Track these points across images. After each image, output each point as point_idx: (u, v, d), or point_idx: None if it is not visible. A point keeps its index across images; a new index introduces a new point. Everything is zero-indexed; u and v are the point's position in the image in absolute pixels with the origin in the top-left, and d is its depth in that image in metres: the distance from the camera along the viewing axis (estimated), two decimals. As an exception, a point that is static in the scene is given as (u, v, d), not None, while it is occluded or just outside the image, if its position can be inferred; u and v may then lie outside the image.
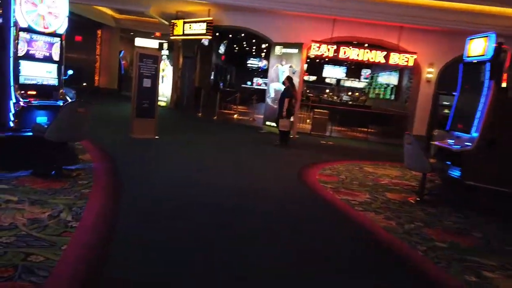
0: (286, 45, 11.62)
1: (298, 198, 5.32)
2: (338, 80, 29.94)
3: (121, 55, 21.96)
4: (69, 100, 5.25)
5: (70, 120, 4.48)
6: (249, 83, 31.82)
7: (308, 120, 14.19)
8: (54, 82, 5.18)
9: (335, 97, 22.53)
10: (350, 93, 24.31)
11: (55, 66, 5.15)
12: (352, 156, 9.37)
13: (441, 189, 6.28)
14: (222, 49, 21.67)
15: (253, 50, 24.69)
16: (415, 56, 11.86)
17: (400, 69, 18.45)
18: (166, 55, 16.16)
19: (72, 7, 15.76)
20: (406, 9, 10.75)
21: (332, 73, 27.85)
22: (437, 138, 6.69)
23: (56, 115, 4.47)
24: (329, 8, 10.82)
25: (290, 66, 11.50)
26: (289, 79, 9.79)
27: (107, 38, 20.30)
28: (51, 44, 5.05)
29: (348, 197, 5.47)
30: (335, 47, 11.84)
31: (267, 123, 12.22)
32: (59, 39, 5.12)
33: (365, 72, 25.56)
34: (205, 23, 12.71)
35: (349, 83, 29.65)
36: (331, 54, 11.90)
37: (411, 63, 11.92)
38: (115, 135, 8.31)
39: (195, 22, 13.11)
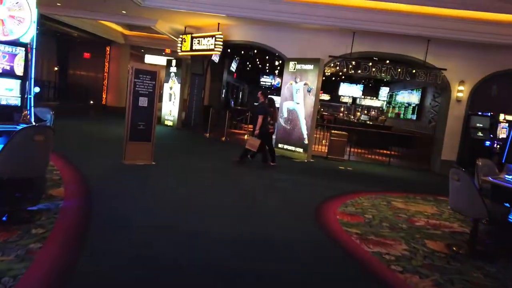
0: (300, 61, 10.64)
1: (316, 252, 4.17)
2: (354, 99, 28.80)
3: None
4: (38, 123, 4.29)
5: (22, 150, 3.50)
6: (262, 101, 30.98)
7: (324, 141, 13.07)
8: (16, 101, 4.22)
9: (352, 117, 21.36)
10: (367, 112, 23.09)
11: (17, 82, 4.21)
12: (376, 186, 8.18)
13: (496, 236, 5.04)
14: (233, 66, 20.89)
15: (266, 67, 23.85)
16: (444, 73, 10.72)
17: (422, 87, 17.28)
18: (174, 73, 15.39)
19: (80, 24, 15.23)
20: (434, 20, 9.67)
21: (348, 91, 26.76)
22: (483, 170, 5.50)
23: (6, 143, 3.48)
24: (351, 20, 9.82)
25: (305, 84, 10.47)
26: (264, 94, 9.14)
27: (116, 55, 19.75)
28: (13, 56, 4.12)
29: (379, 248, 4.30)
30: (354, 63, 10.80)
31: (279, 145, 11.15)
32: (23, 49, 4.19)
33: (384, 91, 24.41)
34: (214, 38, 11.86)
35: (365, 102, 28.50)
36: (350, 70, 10.85)
37: (439, 81, 10.77)
38: (105, 160, 7.34)
39: (204, 37, 12.29)
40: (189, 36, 12.91)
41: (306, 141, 10.49)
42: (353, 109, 28.23)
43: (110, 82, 19.81)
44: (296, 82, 10.75)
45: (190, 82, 15.89)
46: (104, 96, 19.85)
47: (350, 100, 29.45)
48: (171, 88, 15.58)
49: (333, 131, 11.28)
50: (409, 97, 19.21)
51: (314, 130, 10.75)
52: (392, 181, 9.25)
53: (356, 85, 24.54)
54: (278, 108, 10.50)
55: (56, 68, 18.55)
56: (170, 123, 15.50)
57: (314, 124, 10.65)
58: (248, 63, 21.81)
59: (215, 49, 11.83)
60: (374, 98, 27.21)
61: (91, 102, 19.33)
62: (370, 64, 10.87)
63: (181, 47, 13.31)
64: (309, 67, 10.42)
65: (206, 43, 12.11)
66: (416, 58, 11.02)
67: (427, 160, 12.14)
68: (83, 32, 16.78)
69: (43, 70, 18.08)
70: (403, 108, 19.54)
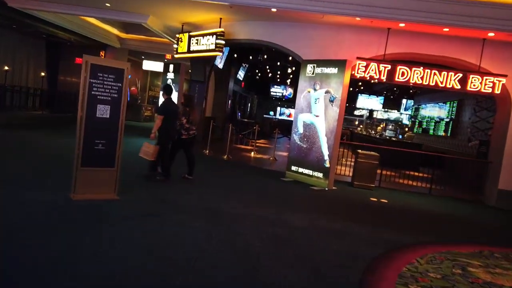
0: (321, 63, 8.47)
1: None
2: (371, 112, 26.47)
3: (127, 80, 19.41)
4: None
5: None
6: (271, 113, 28.84)
7: (343, 160, 10.79)
8: None
9: (372, 132, 19.05)
10: (393, 127, 20.71)
11: None
12: (430, 233, 5.87)
13: None
14: (241, 74, 18.85)
15: (277, 76, 21.74)
16: (504, 80, 8.43)
17: (458, 100, 14.94)
18: (172, 79, 13.37)
19: (71, 25, 13.25)
20: (496, 9, 7.41)
21: (366, 103, 24.53)
22: None
23: None
24: (386, 10, 7.60)
25: (327, 92, 8.28)
26: (166, 89, 7.07)
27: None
28: None
29: None
30: (389, 66, 8.58)
31: (293, 168, 8.92)
32: None
33: (408, 103, 22.10)
34: (214, 36, 9.77)
35: (384, 115, 26.12)
36: (383, 76, 8.63)
37: (497, 90, 8.47)
38: (46, 193, 5.17)
39: (203, 35, 10.22)
40: (186, 35, 10.86)
41: (327, 164, 8.25)
42: (372, 123, 25.84)
43: (104, 90, 17.88)
44: (315, 90, 8.56)
45: (189, 90, 13.84)
46: (97, 105, 17.92)
47: (366, 113, 27.13)
48: (167, 97, 13.52)
49: (360, 152, 9.00)
50: (439, 110, 16.87)
51: (338, 150, 8.49)
52: (446, 222, 6.91)
53: (377, 96, 22.33)
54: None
55: (43, 74, 16.70)
56: (165, 137, 13.39)
57: (338, 143, 8.40)
58: (257, 70, 19.77)
59: (216, 49, 9.73)
60: (396, 111, 24.89)
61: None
62: (408, 69, 8.61)
63: (177, 48, 11.25)
64: (332, 70, 8.23)
65: (206, 43, 10.03)
66: (466, 62, 8.77)
67: (475, 188, 9.76)
68: (75, 34, 14.96)
69: (29, 76, 16.31)
70: (433, 124, 17.18)
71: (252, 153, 12.83)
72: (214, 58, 12.79)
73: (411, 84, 8.78)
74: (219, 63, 13.82)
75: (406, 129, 21.82)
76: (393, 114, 24.74)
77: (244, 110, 24.26)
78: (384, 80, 8.73)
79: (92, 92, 5.06)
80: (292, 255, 4.16)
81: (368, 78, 8.68)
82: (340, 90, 8.07)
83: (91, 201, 5.01)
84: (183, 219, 4.90)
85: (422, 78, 8.58)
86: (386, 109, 24.64)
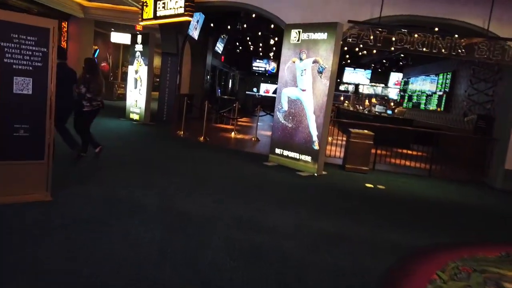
0: (308, 27, 7.22)
1: None
2: (356, 86, 25.36)
3: (95, 55, 17.78)
4: None
5: None
6: (255, 90, 27.49)
7: (330, 139, 9.75)
8: None
9: (360, 107, 18.02)
10: (384, 103, 19.68)
11: None
12: (442, 230, 4.89)
13: None
14: (220, 47, 17.37)
15: (260, 49, 20.32)
16: (514, 46, 7.39)
17: (452, 71, 13.96)
18: (140, 51, 11.91)
19: None
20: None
21: (353, 77, 23.42)
22: None
23: None
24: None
25: (315, 61, 7.08)
26: (61, 52, 5.46)
27: (75, 33, 16.13)
28: None
29: None
30: (385, 31, 7.41)
31: (277, 150, 7.81)
32: None
33: (395, 77, 21.08)
34: (183, -2, 8.38)
35: (371, 90, 25.09)
36: (378, 42, 7.47)
37: (508, 57, 7.43)
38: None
39: (170, -3, 8.80)
40: (151, -2, 9.40)
41: (316, 146, 7.15)
42: (354, 98, 24.75)
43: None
44: (301, 60, 7.35)
45: (161, 64, 12.43)
46: (61, 83, 16.27)
47: (352, 88, 26.04)
48: (136, 72, 12.11)
49: (352, 131, 7.91)
50: (430, 84, 15.91)
51: (328, 129, 7.39)
52: (455, 213, 5.94)
53: (364, 70, 21.22)
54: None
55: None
56: (136, 117, 12.07)
57: (328, 121, 7.28)
58: (237, 43, 18.31)
59: (186, 13, 8.37)
60: (383, 85, 23.89)
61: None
62: (407, 34, 7.45)
63: (142, 14, 9.79)
64: (321, 36, 7.01)
65: (174, 6, 8.65)
66: (473, 25, 7.67)
67: (477, 168, 8.86)
68: (30, 3, 13.22)
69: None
70: (424, 98, 16.24)
71: (233, 133, 11.65)
72: (187, 26, 11.38)
73: (410, 51, 7.65)
74: (194, 33, 12.38)
75: (392, 104, 20.93)
76: (380, 89, 23.77)
77: (225, 86, 22.87)
78: (379, 47, 7.58)
79: (5, 60, 3.75)
80: (274, 278, 3.06)
81: (361, 45, 7.50)
82: (330, 59, 6.88)
83: (13, 205, 3.80)
84: (131, 226, 3.74)
85: (423, 44, 7.46)
86: (373, 83, 23.62)
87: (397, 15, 7.78)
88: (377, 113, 14.36)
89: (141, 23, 10.30)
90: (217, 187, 5.55)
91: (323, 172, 7.41)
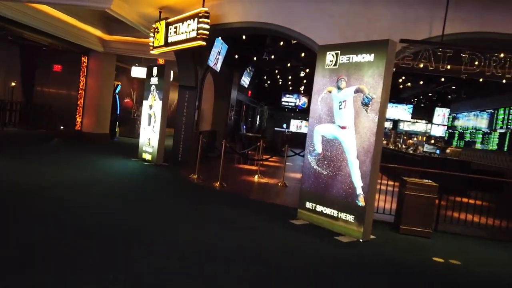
0: (348, 48, 5.62)
1: None
2: (395, 122, 23.22)
3: (117, 90, 17.01)
4: None
5: None
6: (284, 126, 25.99)
7: (378, 186, 7.81)
8: None
9: (404, 146, 15.95)
10: (435, 142, 17.49)
11: None
12: None
13: None
14: (246, 81, 16.12)
15: (289, 83, 18.95)
16: None
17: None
18: (155, 85, 10.74)
19: (43, 26, 9.60)
20: None
21: (392, 113, 21.41)
22: None
23: None
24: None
25: (358, 90, 5.40)
26: None
27: (95, 68, 15.42)
28: None
29: None
30: (450, 52, 5.68)
31: (308, 205, 6.03)
32: None
33: (442, 112, 18.93)
34: (196, 20, 7.07)
35: (409, 127, 22.82)
36: (443, 66, 5.73)
37: None
38: None
39: (182, 20, 7.55)
40: (163, 23, 8.23)
41: (361, 201, 5.32)
42: (394, 135, 22.58)
43: (87, 102, 15.40)
44: (339, 89, 5.71)
45: (178, 98, 11.17)
46: (79, 119, 15.41)
47: (389, 125, 23.91)
48: (150, 107, 10.90)
49: (408, 180, 6.02)
50: (486, 120, 13.75)
51: (376, 179, 5.56)
52: None
53: (406, 104, 19.25)
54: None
55: (13, 84, 14.30)
56: (148, 157, 10.72)
57: (377, 169, 5.47)
58: (265, 77, 17.02)
59: (199, 36, 7.01)
60: (426, 121, 21.67)
61: (62, 127, 14.94)
62: (480, 55, 5.68)
63: (153, 42, 8.61)
64: (367, 58, 5.37)
65: (186, 30, 7.36)
66: None
67: None
68: (51, 37, 12.61)
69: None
70: (480, 136, 14.02)
71: (256, 176, 9.97)
72: (206, 57, 10.15)
73: (485, 76, 5.83)
74: (214, 64, 11.13)
75: (442, 143, 18.61)
76: (423, 125, 21.54)
77: (252, 122, 21.51)
78: (443, 72, 5.82)
79: None
80: None
81: (419, 67, 5.78)
82: (379, 87, 5.19)
83: None
84: None
85: (502, 67, 5.64)
86: (415, 120, 21.46)
87: (464, 32, 6.05)
88: (426, 153, 12.28)
89: (152, 52, 9.13)
90: (220, 269, 3.81)
91: (372, 237, 5.51)
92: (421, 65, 5.80)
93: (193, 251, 4.19)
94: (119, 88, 17.23)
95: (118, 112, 17.17)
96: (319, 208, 5.87)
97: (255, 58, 12.69)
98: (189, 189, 7.77)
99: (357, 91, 5.43)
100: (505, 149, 12.13)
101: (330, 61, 5.87)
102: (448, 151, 12.81)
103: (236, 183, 9.01)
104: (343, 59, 5.69)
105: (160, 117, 10.47)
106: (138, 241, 4.31)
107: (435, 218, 6.24)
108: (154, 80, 10.84)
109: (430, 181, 6.08)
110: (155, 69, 10.86)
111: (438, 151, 13.79)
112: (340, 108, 5.66)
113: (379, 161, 5.45)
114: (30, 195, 5.77)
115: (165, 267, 3.65)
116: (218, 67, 11.76)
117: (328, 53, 5.91)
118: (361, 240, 5.28)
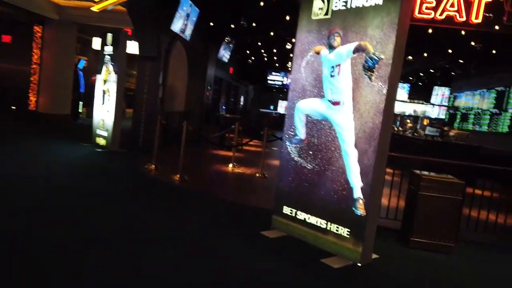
0: (343, -13, 3.88)
1: None
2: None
3: (80, 66, 14.97)
4: None
5: None
6: (272, 107, 24.25)
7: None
8: None
9: (400, 128, 14.46)
10: (435, 124, 15.94)
11: None
12: None
13: None
14: (225, 55, 14.24)
15: (275, 58, 17.10)
16: None
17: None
18: (110, 55, 8.89)
19: None
20: None
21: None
22: None
23: None
24: None
25: (359, 49, 3.69)
26: None
27: (51, 39, 13.42)
28: None
29: None
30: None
31: (285, 209, 4.38)
32: None
33: (441, 91, 17.37)
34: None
35: (409, 107, 21.28)
36: (473, 14, 4.04)
37: None
38: None
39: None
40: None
41: (360, 209, 3.69)
42: (401, 119, 20.98)
43: (43, 79, 13.45)
44: (331, 48, 3.98)
45: (138, 71, 9.35)
46: (33, 98, 13.47)
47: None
48: (105, 82, 9.06)
49: (425, 177, 4.37)
50: (494, 100, 12.21)
51: (383, 177, 3.93)
52: None
53: (403, 83, 17.65)
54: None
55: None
56: (102, 142, 8.96)
57: (384, 162, 3.82)
58: (248, 51, 15.14)
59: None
60: (422, 102, 20.13)
61: (13, 107, 13.03)
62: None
63: (95, -4, 6.75)
64: (372, 1, 3.65)
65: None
66: None
67: None
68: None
69: None
70: (488, 117, 12.51)
71: (230, 165, 8.30)
72: (169, 19, 8.32)
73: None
74: (182, 30, 9.28)
75: (446, 127, 17.06)
76: (421, 106, 20.00)
77: (235, 103, 19.72)
78: (471, 23, 4.14)
79: None
80: None
81: (442, 19, 4.08)
82: (390, 42, 3.49)
83: None
84: None
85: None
86: (411, 100, 19.88)
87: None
88: (428, 137, 10.72)
89: (92, 8, 7.29)
90: None
91: (375, 256, 3.92)
92: (445, 16, 4.12)
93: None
94: (83, 63, 15.18)
95: (82, 90, 15.17)
96: (301, 215, 4.23)
97: (232, 26, 10.84)
98: (139, 186, 6.07)
99: (358, 49, 3.72)
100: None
101: (319, 8, 4.13)
102: (452, 133, 11.25)
103: (203, 175, 7.34)
104: (338, 4, 3.95)
105: (116, 93, 8.67)
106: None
107: (458, 226, 4.65)
108: (108, 50, 8.99)
109: (452, 176, 4.47)
110: (109, 36, 9.01)
111: (438, 134, 12.26)
112: (332, 76, 3.95)
113: (387, 151, 3.80)
114: None
115: None
116: (187, 35, 9.90)
117: (315, -2, 4.17)
118: (359, 264, 3.68)
